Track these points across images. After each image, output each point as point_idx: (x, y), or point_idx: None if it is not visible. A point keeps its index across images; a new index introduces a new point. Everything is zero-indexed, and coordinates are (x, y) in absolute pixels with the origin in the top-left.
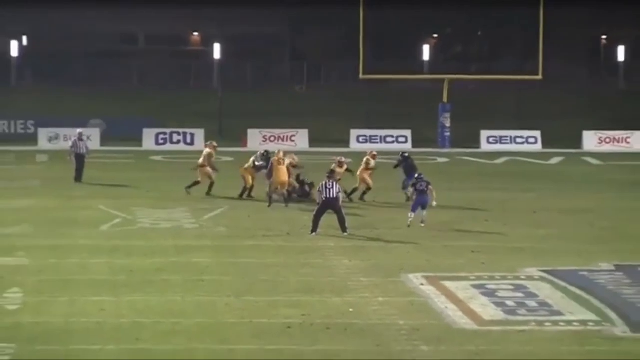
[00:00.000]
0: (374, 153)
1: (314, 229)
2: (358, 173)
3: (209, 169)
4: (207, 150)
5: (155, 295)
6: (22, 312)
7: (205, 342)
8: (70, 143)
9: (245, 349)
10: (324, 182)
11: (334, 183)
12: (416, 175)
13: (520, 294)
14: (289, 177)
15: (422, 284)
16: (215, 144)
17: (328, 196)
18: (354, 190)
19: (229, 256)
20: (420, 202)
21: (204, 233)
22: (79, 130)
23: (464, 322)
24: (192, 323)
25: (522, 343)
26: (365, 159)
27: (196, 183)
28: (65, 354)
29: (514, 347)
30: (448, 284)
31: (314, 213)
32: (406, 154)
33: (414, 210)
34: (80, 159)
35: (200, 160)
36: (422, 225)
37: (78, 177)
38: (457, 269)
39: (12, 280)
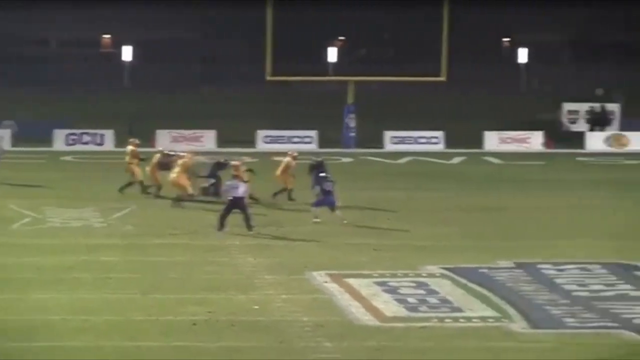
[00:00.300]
0: (295, 154)
1: (220, 227)
2: (279, 173)
3: (135, 167)
4: (130, 148)
5: (65, 292)
6: None
7: (114, 339)
8: None
9: (152, 345)
10: (230, 182)
11: (240, 183)
12: (322, 175)
13: (421, 291)
14: (185, 179)
15: (325, 282)
16: (137, 141)
17: (234, 195)
18: (286, 190)
19: (138, 254)
20: (327, 202)
21: (112, 232)
22: None
23: (366, 318)
24: (100, 320)
25: (423, 339)
26: (286, 160)
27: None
28: None
29: (415, 343)
30: (351, 281)
31: (221, 212)
32: (321, 159)
33: (316, 205)
34: None
35: (127, 159)
36: (345, 222)
37: None
38: (360, 266)
39: None
